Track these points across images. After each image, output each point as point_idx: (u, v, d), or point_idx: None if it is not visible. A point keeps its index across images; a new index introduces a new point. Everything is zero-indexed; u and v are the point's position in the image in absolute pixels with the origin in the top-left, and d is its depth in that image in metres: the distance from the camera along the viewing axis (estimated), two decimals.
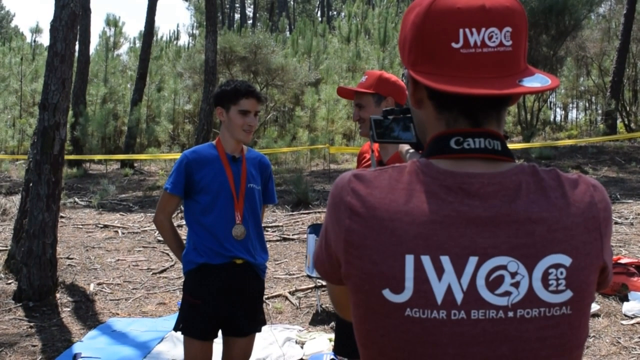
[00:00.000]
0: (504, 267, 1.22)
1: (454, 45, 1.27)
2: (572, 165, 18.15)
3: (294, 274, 8.32)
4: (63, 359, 5.61)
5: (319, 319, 6.70)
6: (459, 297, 1.22)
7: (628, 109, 24.39)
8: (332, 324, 6.47)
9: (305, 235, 10.50)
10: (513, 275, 1.22)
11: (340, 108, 23.49)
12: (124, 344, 5.99)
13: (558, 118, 32.50)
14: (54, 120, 7.23)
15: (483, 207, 1.24)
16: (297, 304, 7.14)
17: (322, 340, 5.89)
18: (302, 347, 5.75)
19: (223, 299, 3.60)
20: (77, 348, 5.81)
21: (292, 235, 10.80)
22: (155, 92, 25.94)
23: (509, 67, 1.29)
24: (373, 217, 1.27)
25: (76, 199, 14.75)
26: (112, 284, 8.08)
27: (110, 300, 7.45)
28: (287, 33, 43.64)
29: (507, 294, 1.22)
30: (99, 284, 8.01)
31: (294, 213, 12.62)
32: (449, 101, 1.31)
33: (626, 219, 11.58)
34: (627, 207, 12.73)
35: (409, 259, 1.23)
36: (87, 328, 6.48)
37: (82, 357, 5.57)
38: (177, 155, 20.77)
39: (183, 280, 3.77)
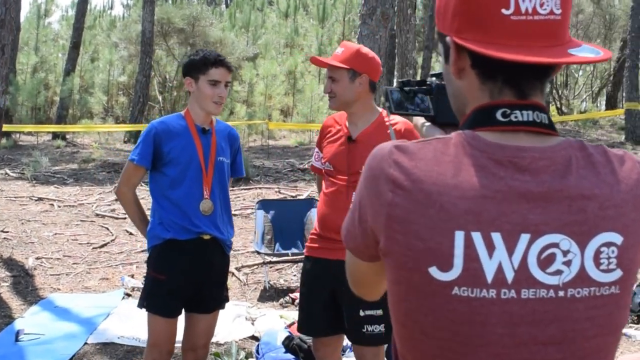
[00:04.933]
0: (556, 245, 1.18)
1: (504, 11, 1.21)
2: None
3: (238, 250, 8.20)
4: (5, 335, 5.40)
5: (267, 296, 6.63)
6: (509, 275, 1.17)
7: (560, 92, 24.95)
8: (281, 300, 6.41)
9: (248, 211, 10.42)
10: (565, 253, 1.18)
11: (278, 84, 23.33)
12: (68, 320, 5.80)
13: None
14: None
15: (534, 182, 1.19)
16: (245, 280, 7.05)
17: (273, 317, 5.83)
18: (252, 324, 5.67)
19: (189, 275, 3.50)
20: (18, 324, 5.60)
21: (235, 211, 10.67)
22: (89, 63, 25.25)
23: (558, 36, 1.24)
24: (419, 190, 1.20)
25: (7, 171, 14.25)
26: (51, 258, 7.83)
27: (51, 275, 7.21)
28: (224, 6, 43.02)
29: (558, 272, 1.18)
30: (37, 258, 7.75)
31: (234, 188, 12.47)
32: (494, 70, 1.25)
33: None
34: None
35: (459, 236, 1.17)
36: (27, 304, 6.25)
37: (25, 334, 5.37)
38: (113, 128, 20.34)
39: (147, 255, 3.63)
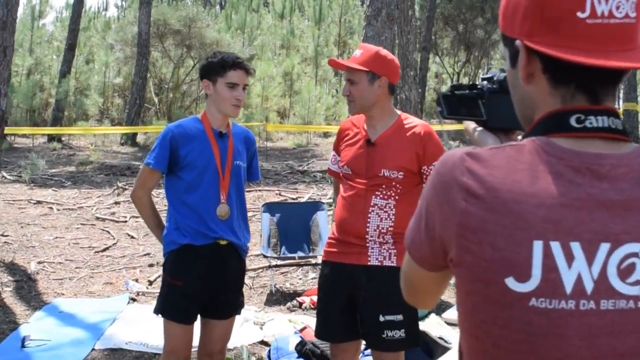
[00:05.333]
0: (636, 255, 1.14)
1: (579, 14, 1.16)
2: None
3: None
4: (11, 342, 5.32)
5: (274, 299, 6.57)
6: (589, 286, 1.13)
7: None
8: (289, 304, 6.35)
9: (249, 214, 10.35)
10: None
11: (274, 85, 23.29)
12: (74, 326, 5.73)
13: None
14: None
15: (613, 190, 1.15)
16: (250, 284, 6.99)
17: (282, 321, 5.77)
18: (261, 329, 5.61)
19: (206, 280, 3.44)
20: (24, 330, 5.52)
21: None
22: (84, 65, 25.14)
23: (631, 40, 1.20)
24: (495, 199, 1.15)
25: (4, 174, 14.15)
26: (53, 262, 7.75)
27: (54, 279, 7.14)
28: (218, 7, 42.96)
29: (638, 283, 1.14)
30: (39, 262, 7.67)
31: None
32: (567, 75, 1.21)
33: None
34: None
35: (537, 245, 1.13)
36: (32, 309, 6.17)
37: (31, 340, 5.30)
38: (110, 130, 20.25)
39: (163, 261, 3.56)
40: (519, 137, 1.64)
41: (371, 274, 3.37)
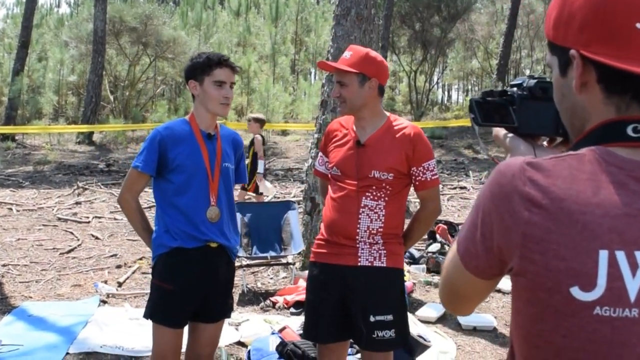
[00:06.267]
0: None
1: (638, 25, 1.18)
2: (463, 145, 18.69)
3: None
4: None
5: (246, 299, 6.53)
6: None
7: None
8: (262, 304, 6.33)
9: None
10: None
11: None
12: (46, 330, 5.62)
13: (445, 99, 33.37)
14: None
15: None
16: None
17: (257, 322, 5.74)
18: (236, 329, 5.57)
19: (196, 284, 3.39)
20: None
21: None
22: (37, 62, 24.66)
23: None
24: (559, 209, 1.16)
25: None
26: (18, 265, 7.60)
27: (20, 282, 6.99)
28: (172, 4, 42.52)
29: None
30: (3, 265, 7.52)
31: None
32: (623, 85, 1.22)
33: None
34: None
35: (603, 255, 1.14)
36: None
37: (2, 345, 5.19)
38: (68, 129, 19.90)
39: (152, 265, 3.50)
40: (544, 143, 1.66)
41: (361, 275, 3.37)
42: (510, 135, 1.62)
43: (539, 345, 1.22)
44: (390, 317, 3.38)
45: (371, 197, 3.36)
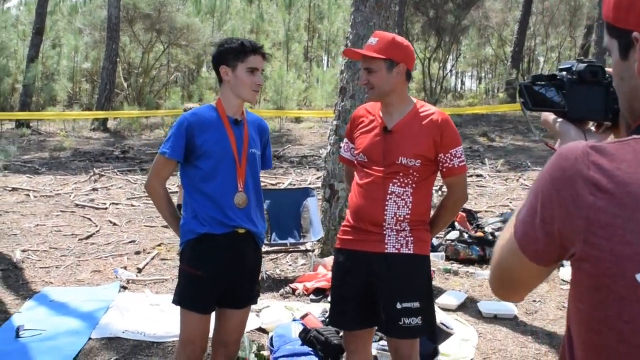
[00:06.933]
0: None
1: None
2: (478, 133, 18.60)
3: None
4: (5, 332, 5.23)
5: (266, 287, 6.53)
6: None
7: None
8: (282, 291, 6.34)
9: None
10: None
11: None
12: (68, 315, 5.66)
13: (459, 86, 33.20)
14: None
15: None
16: None
17: (278, 309, 5.76)
18: (258, 316, 5.59)
19: (224, 270, 3.39)
20: (17, 320, 5.43)
21: None
22: (51, 49, 24.71)
23: None
24: (626, 194, 1.15)
25: None
26: (38, 250, 7.64)
27: (40, 268, 7.02)
28: None
29: None
30: (24, 251, 7.55)
31: None
32: None
33: None
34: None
35: None
36: (21, 298, 6.08)
37: (25, 330, 5.22)
38: (82, 115, 19.94)
39: (181, 250, 3.51)
40: (592, 129, 1.65)
41: (388, 262, 3.36)
42: (560, 120, 1.60)
43: (601, 331, 1.21)
44: (417, 305, 3.37)
45: (398, 184, 3.35)
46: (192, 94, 23.22)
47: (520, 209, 1.32)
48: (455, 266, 7.13)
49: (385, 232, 3.36)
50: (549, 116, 1.63)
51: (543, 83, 1.63)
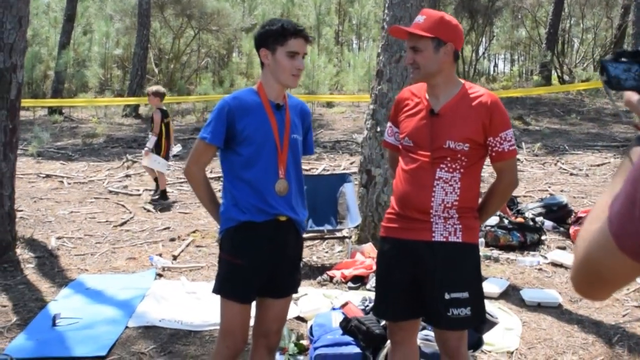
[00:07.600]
0: None
1: None
2: (513, 116, 18.28)
3: None
4: (41, 320, 5.19)
5: (302, 274, 6.40)
6: None
7: (561, 60, 24.72)
8: (319, 278, 6.23)
9: None
10: None
11: None
12: (104, 303, 5.61)
13: (491, 69, 32.76)
14: (10, 62, 6.64)
15: None
16: None
17: (316, 297, 5.65)
18: (295, 304, 5.48)
19: (266, 258, 3.28)
20: (53, 308, 5.39)
21: None
22: (82, 36, 24.77)
23: None
24: None
25: None
26: (72, 237, 7.61)
27: (75, 255, 7.00)
28: None
29: None
30: (58, 238, 7.53)
31: None
32: None
33: (580, 170, 11.70)
34: (577, 158, 12.89)
35: None
36: (57, 286, 6.04)
37: (61, 318, 5.17)
38: (114, 101, 19.96)
39: (220, 238, 3.40)
40: None
41: (435, 251, 3.22)
42: None
43: None
44: (466, 295, 3.23)
45: (446, 169, 3.20)
46: (223, 79, 23.13)
47: (613, 199, 1.17)
48: (495, 252, 6.96)
49: (432, 220, 3.22)
50: (633, 96, 1.48)
51: (628, 60, 1.47)
